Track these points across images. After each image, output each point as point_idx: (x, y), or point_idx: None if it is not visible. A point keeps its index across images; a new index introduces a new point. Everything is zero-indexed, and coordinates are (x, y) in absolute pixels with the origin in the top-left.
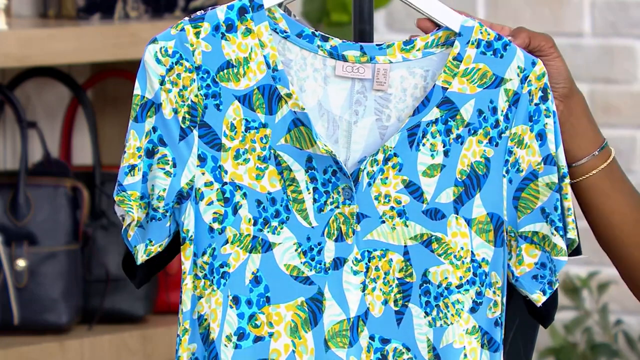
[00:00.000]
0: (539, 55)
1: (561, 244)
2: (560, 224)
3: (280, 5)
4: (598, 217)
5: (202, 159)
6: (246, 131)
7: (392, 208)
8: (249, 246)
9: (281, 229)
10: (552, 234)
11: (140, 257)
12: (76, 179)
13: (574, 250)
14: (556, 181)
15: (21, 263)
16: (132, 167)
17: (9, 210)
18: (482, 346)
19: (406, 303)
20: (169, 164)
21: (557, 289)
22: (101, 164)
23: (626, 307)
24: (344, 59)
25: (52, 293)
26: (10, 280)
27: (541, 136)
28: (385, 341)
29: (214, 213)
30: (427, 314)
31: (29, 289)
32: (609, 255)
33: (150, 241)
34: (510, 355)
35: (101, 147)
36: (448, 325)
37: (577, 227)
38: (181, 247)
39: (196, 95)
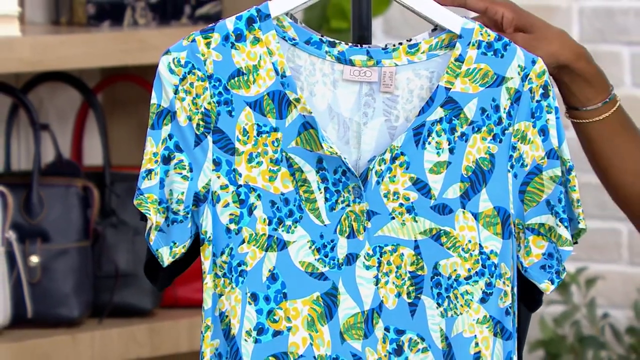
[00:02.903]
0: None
1: (566, 234)
2: (565, 215)
3: (286, 13)
4: (611, 157)
5: (217, 163)
6: (258, 135)
7: (401, 205)
8: (265, 245)
9: (295, 227)
10: (557, 225)
11: (166, 260)
12: (87, 179)
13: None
14: (559, 174)
15: (34, 259)
16: (149, 172)
17: (23, 209)
18: (494, 335)
19: (419, 295)
20: (185, 168)
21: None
22: (111, 165)
23: (613, 302)
24: (351, 63)
25: (64, 288)
26: (24, 276)
27: (543, 132)
28: (400, 332)
29: (230, 214)
30: (439, 305)
31: (41, 284)
32: (615, 192)
33: (175, 243)
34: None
35: (110, 148)
36: (458, 315)
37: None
38: (200, 247)
39: (209, 103)
